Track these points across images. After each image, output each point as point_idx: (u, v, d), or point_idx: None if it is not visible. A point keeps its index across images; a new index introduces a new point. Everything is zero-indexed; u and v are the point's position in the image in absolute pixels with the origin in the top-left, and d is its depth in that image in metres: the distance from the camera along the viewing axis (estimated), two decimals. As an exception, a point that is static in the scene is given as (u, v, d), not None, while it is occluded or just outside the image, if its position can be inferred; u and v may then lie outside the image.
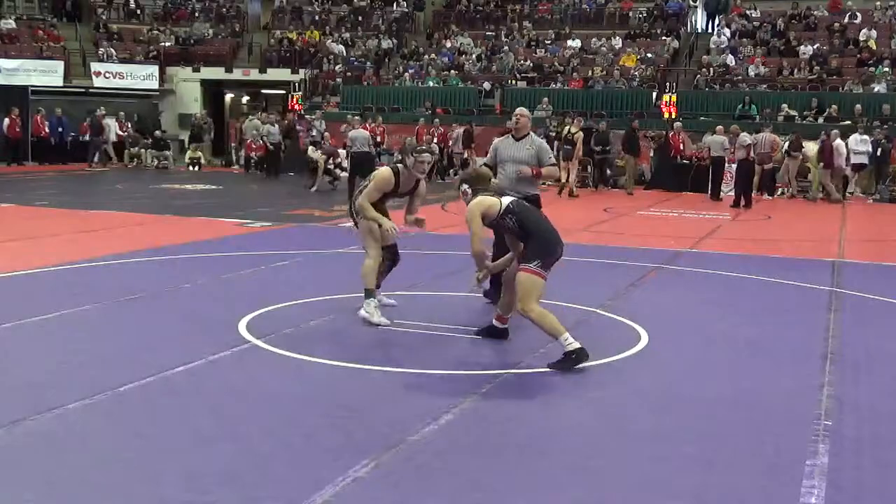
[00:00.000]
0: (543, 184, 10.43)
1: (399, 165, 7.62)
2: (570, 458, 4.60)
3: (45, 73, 28.84)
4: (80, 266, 9.77)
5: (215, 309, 7.78)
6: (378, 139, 26.11)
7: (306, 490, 4.05)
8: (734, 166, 20.13)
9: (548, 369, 6.11)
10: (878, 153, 21.64)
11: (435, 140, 25.10)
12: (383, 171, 7.62)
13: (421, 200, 7.90)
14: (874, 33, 27.67)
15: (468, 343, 6.76)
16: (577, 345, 6.11)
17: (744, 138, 19.64)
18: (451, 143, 24.92)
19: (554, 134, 22.26)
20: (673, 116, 25.07)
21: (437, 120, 25.93)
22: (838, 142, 21.03)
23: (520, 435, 4.96)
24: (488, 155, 8.72)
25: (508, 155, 8.34)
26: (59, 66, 29.49)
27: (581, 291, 8.96)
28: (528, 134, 8.47)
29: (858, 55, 26.97)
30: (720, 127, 21.41)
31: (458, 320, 7.36)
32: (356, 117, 20.98)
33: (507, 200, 6.48)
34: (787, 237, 14.33)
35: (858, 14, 29.00)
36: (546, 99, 26.30)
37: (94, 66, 30.16)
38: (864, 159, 21.73)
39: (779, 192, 21.51)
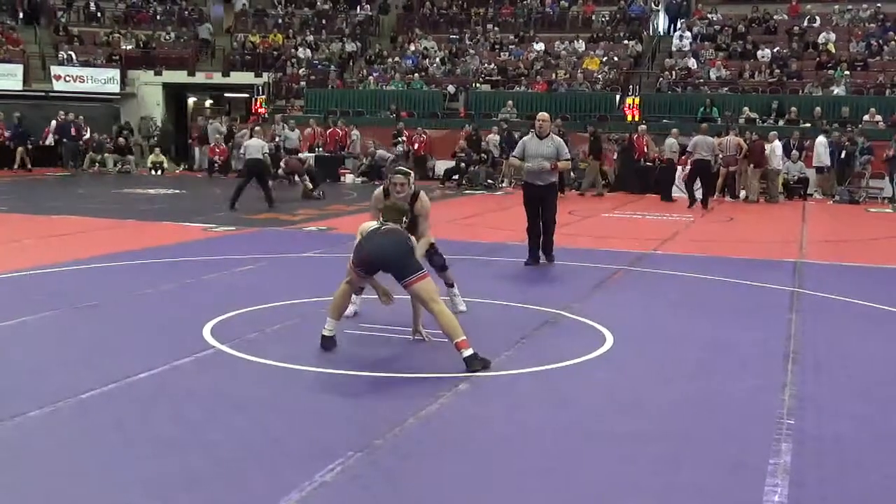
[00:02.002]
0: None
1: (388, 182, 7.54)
2: (536, 460, 4.61)
3: (3, 77, 28.50)
4: (42, 272, 9.64)
5: (179, 314, 7.72)
6: (341, 144, 26.18)
7: (273, 495, 4.02)
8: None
9: (514, 372, 6.15)
10: (841, 156, 21.95)
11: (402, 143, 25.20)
12: (376, 192, 7.61)
13: (424, 219, 7.48)
14: (833, 36, 28.08)
15: (433, 346, 6.75)
16: (329, 332, 6.56)
17: (675, 142, 20.19)
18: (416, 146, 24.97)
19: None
20: (636, 119, 25.25)
21: (401, 123, 25.95)
22: (776, 143, 21.38)
23: (486, 437, 4.97)
24: (516, 149, 10.88)
25: (534, 151, 10.44)
26: (19, 69, 29.15)
27: (546, 293, 9.00)
28: (550, 134, 10.59)
29: (818, 58, 27.35)
30: (675, 130, 21.77)
31: (424, 323, 7.34)
32: (256, 127, 20.75)
33: (373, 226, 6.53)
34: (750, 238, 14.47)
35: (817, 18, 29.39)
36: (510, 102, 26.37)
37: (54, 70, 29.83)
38: (828, 161, 22.07)
39: (742, 195, 21.79)
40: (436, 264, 7.92)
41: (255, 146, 17.20)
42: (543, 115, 10.69)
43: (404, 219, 6.69)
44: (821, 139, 22.20)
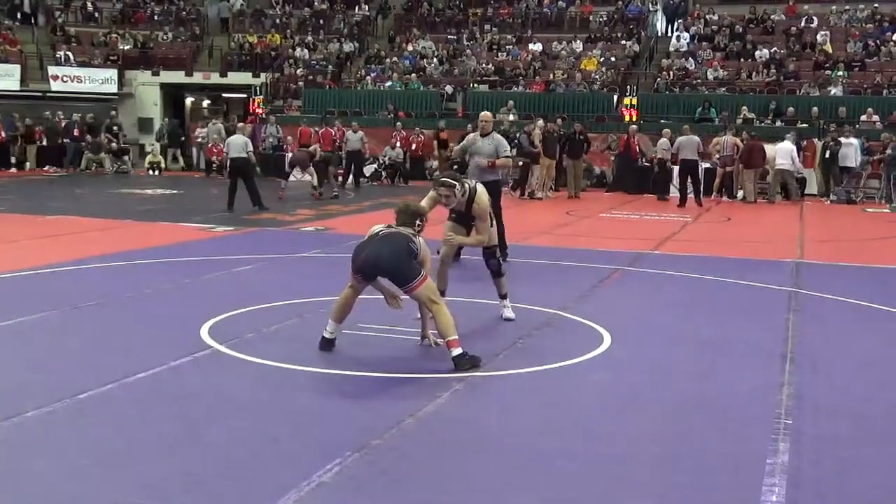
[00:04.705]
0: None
1: None
2: (534, 460, 4.61)
3: (1, 77, 28.44)
4: (40, 272, 9.64)
5: (177, 314, 7.72)
6: (337, 143, 26.14)
7: (270, 495, 4.03)
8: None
9: (512, 372, 6.16)
10: (826, 155, 21.94)
11: (399, 144, 25.17)
12: (431, 192, 7.56)
13: (481, 221, 7.49)
14: (830, 36, 28.08)
15: (431, 347, 6.74)
16: (329, 335, 6.56)
17: (667, 141, 20.47)
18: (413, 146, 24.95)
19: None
20: (634, 119, 25.26)
21: (399, 123, 25.93)
22: (780, 145, 21.40)
23: (484, 437, 4.97)
24: (461, 143, 11.47)
25: (476, 149, 10.83)
26: (16, 69, 29.09)
27: (544, 293, 8.99)
28: (491, 132, 10.92)
29: (815, 58, 27.35)
30: (667, 130, 21.81)
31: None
32: (240, 124, 20.59)
33: (376, 229, 6.52)
34: (748, 238, 14.48)
35: (815, 18, 29.39)
36: (511, 102, 26.32)
37: (52, 70, 29.76)
38: (852, 163, 22.06)
39: (739, 195, 21.80)
40: (491, 268, 7.83)
41: (236, 144, 16.60)
42: (486, 114, 11.21)
43: (418, 221, 6.64)
44: (852, 140, 22.19)
